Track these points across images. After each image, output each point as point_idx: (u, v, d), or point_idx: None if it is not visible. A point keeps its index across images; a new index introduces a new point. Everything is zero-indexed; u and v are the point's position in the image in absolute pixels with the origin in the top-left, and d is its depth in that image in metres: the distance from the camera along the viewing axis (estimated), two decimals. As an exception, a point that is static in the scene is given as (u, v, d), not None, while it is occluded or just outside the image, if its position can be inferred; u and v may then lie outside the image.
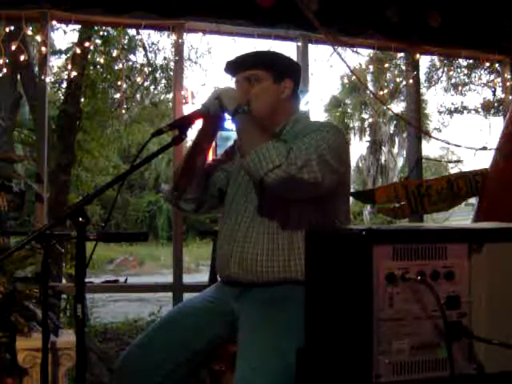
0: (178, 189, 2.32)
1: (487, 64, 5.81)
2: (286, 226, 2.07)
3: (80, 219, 1.66)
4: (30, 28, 4.18)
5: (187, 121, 2.03)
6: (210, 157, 4.30)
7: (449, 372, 1.27)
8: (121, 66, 5.67)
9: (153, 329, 2.16)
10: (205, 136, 2.25)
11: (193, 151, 2.28)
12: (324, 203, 2.08)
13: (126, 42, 8.26)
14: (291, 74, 2.26)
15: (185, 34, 4.19)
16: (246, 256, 2.09)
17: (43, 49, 3.91)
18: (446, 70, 11.25)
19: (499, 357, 1.30)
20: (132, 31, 7.70)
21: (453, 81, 11.46)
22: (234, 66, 2.26)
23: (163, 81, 10.56)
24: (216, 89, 2.14)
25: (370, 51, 5.63)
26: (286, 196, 1.98)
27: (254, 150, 1.88)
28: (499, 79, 5.26)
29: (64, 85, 9.58)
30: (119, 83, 5.89)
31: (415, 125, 4.67)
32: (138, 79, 9.25)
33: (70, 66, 6.69)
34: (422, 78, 11.15)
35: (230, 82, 2.31)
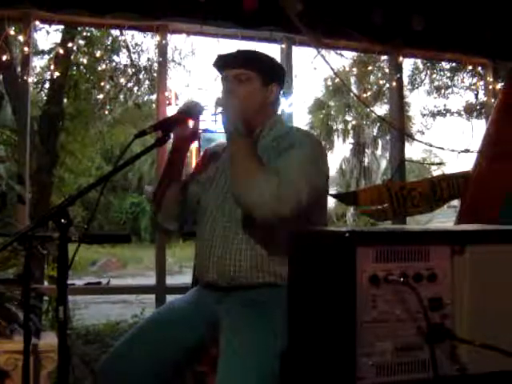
0: (159, 209, 2.33)
1: (470, 67, 5.84)
2: (265, 231, 2.07)
3: (62, 221, 1.65)
4: (13, 28, 4.15)
5: (171, 122, 2.03)
6: (194, 158, 4.29)
7: (432, 373, 1.27)
8: (104, 66, 5.66)
9: (135, 331, 2.15)
10: (177, 151, 2.27)
11: (168, 167, 2.29)
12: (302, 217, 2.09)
13: (109, 42, 8.23)
14: (278, 78, 2.27)
15: (169, 35, 4.18)
16: (223, 262, 2.09)
17: (26, 49, 3.88)
18: (429, 72, 11.33)
19: (482, 358, 1.31)
20: (115, 32, 7.68)
21: (436, 84, 11.54)
22: (224, 62, 2.24)
23: (147, 82, 10.53)
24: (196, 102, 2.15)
25: (354, 54, 5.68)
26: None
27: (245, 181, 1.91)
28: (482, 82, 5.30)
29: (47, 85, 9.55)
30: (102, 84, 5.89)
31: (398, 127, 4.69)
32: (122, 80, 9.22)
33: (52, 67, 6.65)
34: (406, 80, 11.21)
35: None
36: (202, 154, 2.49)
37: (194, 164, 5.15)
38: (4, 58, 4.08)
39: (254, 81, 2.19)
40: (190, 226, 2.40)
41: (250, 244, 2.08)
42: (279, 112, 2.41)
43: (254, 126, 2.19)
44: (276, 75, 2.27)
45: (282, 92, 2.31)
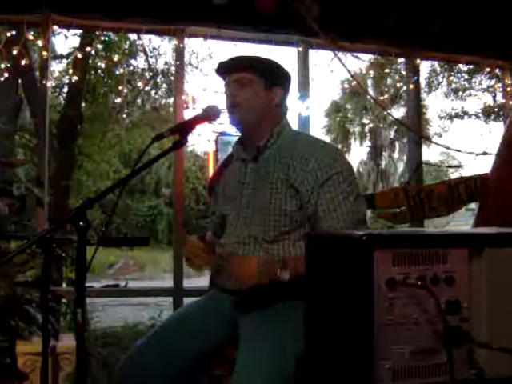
0: None
1: (487, 69, 5.81)
2: (283, 239, 2.08)
3: (81, 223, 1.66)
4: (32, 33, 4.20)
5: (188, 125, 2.03)
6: (212, 161, 4.31)
7: (449, 377, 1.27)
8: (122, 70, 5.69)
9: (153, 334, 2.16)
10: None
11: None
12: None
13: (127, 46, 8.28)
14: (282, 81, 2.27)
15: (186, 39, 4.20)
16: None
17: (44, 53, 3.92)
18: (446, 75, 11.27)
19: (499, 362, 1.30)
20: (133, 36, 7.70)
21: (453, 86, 11.48)
22: (226, 68, 2.25)
23: (164, 85, 10.60)
24: None
25: (371, 56, 5.64)
26: None
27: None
28: (500, 84, 5.27)
29: (65, 89, 9.62)
30: (120, 88, 5.91)
31: (415, 130, 4.67)
32: (139, 84, 9.27)
33: (71, 71, 6.72)
34: (423, 83, 11.16)
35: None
36: (215, 169, 2.51)
37: (211, 168, 5.17)
38: (23, 62, 4.13)
39: (256, 84, 2.19)
40: None
41: (267, 253, 2.08)
42: (289, 117, 2.41)
43: (260, 132, 2.19)
44: (279, 78, 2.26)
45: (287, 97, 2.30)
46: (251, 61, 2.28)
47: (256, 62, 2.26)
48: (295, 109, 4.36)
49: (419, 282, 1.27)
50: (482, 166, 4.68)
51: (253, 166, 2.20)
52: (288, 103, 2.33)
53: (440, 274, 1.30)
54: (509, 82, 4.93)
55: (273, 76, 2.23)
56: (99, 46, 8.24)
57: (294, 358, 1.78)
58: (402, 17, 4.34)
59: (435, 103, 32.12)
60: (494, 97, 9.90)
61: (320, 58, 4.81)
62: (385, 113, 15.98)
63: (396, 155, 23.82)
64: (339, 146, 20.63)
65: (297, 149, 2.13)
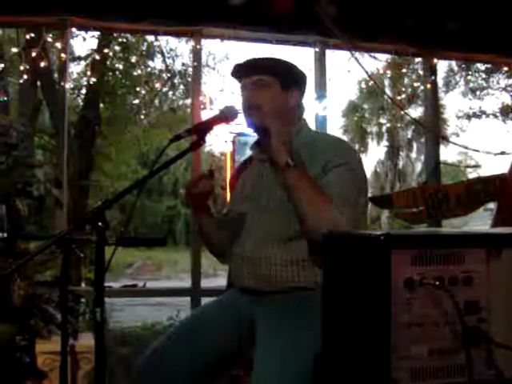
0: (210, 246, 2.44)
1: (505, 68, 5.77)
2: (299, 237, 2.08)
3: (99, 224, 1.67)
4: (50, 35, 4.24)
5: (206, 126, 2.04)
6: (229, 162, 4.32)
7: (467, 378, 1.26)
8: (139, 71, 5.72)
9: (171, 334, 2.16)
10: (197, 208, 2.34)
11: (200, 226, 2.38)
12: None
13: (144, 48, 8.32)
14: (298, 83, 2.27)
15: (203, 40, 4.21)
16: (259, 267, 2.11)
17: (63, 55, 3.95)
18: (463, 74, 11.21)
19: (518, 363, 1.30)
20: (150, 37, 7.76)
21: (471, 85, 11.42)
22: (242, 70, 2.26)
23: (181, 86, 10.62)
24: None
25: (388, 56, 5.63)
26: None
27: (313, 217, 1.94)
28: (518, 83, 5.22)
29: (83, 91, 9.68)
30: (138, 89, 5.94)
31: (433, 130, 4.65)
32: (157, 85, 9.32)
33: (89, 73, 6.77)
34: (440, 82, 11.10)
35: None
36: (232, 172, 2.54)
37: (228, 168, 5.19)
38: (42, 64, 4.17)
39: (273, 86, 2.19)
40: None
41: (286, 251, 2.09)
42: (306, 117, 2.41)
43: None
44: (295, 80, 2.26)
45: (303, 98, 2.31)
46: (267, 62, 2.28)
47: (272, 64, 2.26)
48: (312, 109, 4.36)
49: (437, 283, 1.26)
50: (500, 165, 4.65)
51: (271, 166, 2.20)
52: (304, 104, 2.33)
53: (458, 274, 1.30)
54: (528, 81, 4.89)
55: (289, 77, 2.23)
56: (117, 48, 8.30)
57: (311, 355, 1.78)
58: (418, 16, 4.32)
59: (453, 103, 31.88)
60: (512, 96, 9.83)
61: (337, 59, 4.83)
62: (402, 113, 15.89)
63: (414, 155, 23.69)
64: (356, 146, 20.58)
65: (315, 147, 2.14)
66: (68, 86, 4.25)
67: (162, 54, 9.12)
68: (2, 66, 6.24)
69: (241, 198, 2.33)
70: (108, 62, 8.07)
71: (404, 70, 9.51)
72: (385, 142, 23.82)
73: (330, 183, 2.02)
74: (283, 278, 2.08)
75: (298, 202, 1.98)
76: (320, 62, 4.36)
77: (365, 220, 2.24)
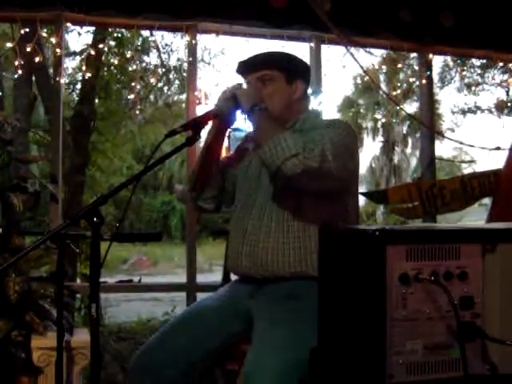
0: (196, 189, 2.35)
1: (501, 64, 5.77)
2: (298, 220, 2.09)
3: (95, 219, 1.67)
4: (45, 30, 4.21)
5: (201, 121, 2.04)
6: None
7: (462, 372, 1.27)
8: (134, 67, 5.69)
9: (166, 328, 2.17)
10: (216, 135, 2.27)
11: (206, 151, 2.30)
12: (335, 199, 2.11)
13: (139, 43, 8.29)
14: (302, 74, 2.28)
15: (198, 35, 4.19)
16: (256, 250, 2.11)
17: (58, 50, 3.93)
18: (459, 69, 11.22)
19: (513, 357, 1.30)
20: (146, 32, 7.73)
21: (466, 81, 11.43)
22: (246, 67, 2.27)
23: (177, 82, 10.61)
24: (227, 88, 2.16)
25: (383, 51, 5.64)
26: (299, 186, 2.00)
27: (271, 140, 1.90)
28: (513, 79, 5.23)
29: (78, 86, 9.66)
30: (133, 84, 5.92)
31: (428, 125, 4.65)
32: (152, 80, 9.27)
33: (84, 68, 6.73)
34: (435, 78, 11.12)
35: (241, 82, 2.32)
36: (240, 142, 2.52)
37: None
38: (36, 59, 4.15)
39: (278, 79, 2.21)
40: (227, 206, 2.42)
41: (283, 232, 2.09)
42: (311, 108, 2.42)
43: (285, 121, 2.19)
44: (300, 72, 2.28)
45: (308, 88, 2.32)
46: (271, 57, 2.30)
47: (276, 58, 2.28)
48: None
49: (432, 278, 1.27)
50: (496, 161, 4.66)
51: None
52: (309, 93, 2.36)
53: (453, 269, 1.30)
54: (522, 77, 4.90)
55: (293, 70, 2.25)
56: (112, 43, 8.27)
57: (309, 344, 1.78)
58: (414, 11, 4.32)
59: (448, 98, 31.99)
60: (507, 91, 9.86)
61: (332, 54, 4.81)
62: (397, 108, 15.90)
63: (409, 150, 23.76)
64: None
65: (318, 125, 2.16)
66: (63, 81, 4.24)
67: (158, 49, 9.09)
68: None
69: (239, 177, 2.34)
70: (103, 57, 8.04)
71: (399, 66, 9.52)
72: (380, 138, 23.90)
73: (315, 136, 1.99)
74: (279, 262, 2.08)
75: (261, 138, 2.00)
76: (315, 57, 4.35)
77: (353, 197, 2.24)
